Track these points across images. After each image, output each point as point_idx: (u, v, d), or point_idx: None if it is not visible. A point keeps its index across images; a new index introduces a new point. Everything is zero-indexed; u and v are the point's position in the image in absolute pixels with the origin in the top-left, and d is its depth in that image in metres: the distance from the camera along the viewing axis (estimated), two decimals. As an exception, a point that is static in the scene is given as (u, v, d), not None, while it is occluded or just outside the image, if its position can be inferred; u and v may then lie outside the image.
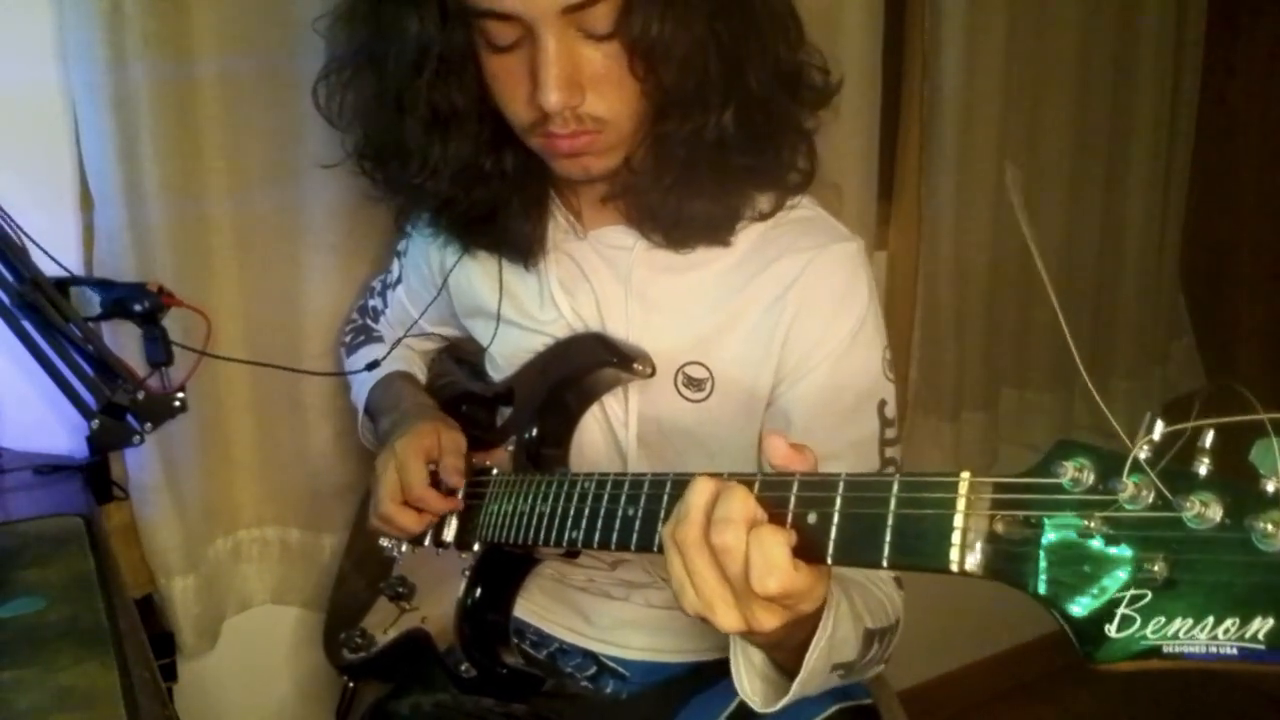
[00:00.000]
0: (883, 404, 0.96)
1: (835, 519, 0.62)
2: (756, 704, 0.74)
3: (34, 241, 0.99)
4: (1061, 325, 0.56)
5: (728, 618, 0.64)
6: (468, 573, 0.99)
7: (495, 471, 1.01)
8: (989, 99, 1.70)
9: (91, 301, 1.07)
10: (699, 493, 0.66)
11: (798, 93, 0.93)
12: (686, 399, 0.98)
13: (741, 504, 0.64)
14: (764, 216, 0.96)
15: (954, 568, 0.55)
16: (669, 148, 0.90)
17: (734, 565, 0.63)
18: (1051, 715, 2.18)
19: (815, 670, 0.71)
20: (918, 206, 1.75)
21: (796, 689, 0.72)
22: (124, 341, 1.13)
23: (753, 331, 0.96)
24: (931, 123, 1.70)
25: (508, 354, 1.08)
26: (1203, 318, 2.23)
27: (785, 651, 0.73)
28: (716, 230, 0.95)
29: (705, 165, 0.91)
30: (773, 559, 0.62)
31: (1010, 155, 1.77)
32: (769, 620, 0.64)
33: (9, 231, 0.96)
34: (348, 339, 1.28)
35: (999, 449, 1.91)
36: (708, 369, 0.97)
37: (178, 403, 1.00)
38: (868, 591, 0.86)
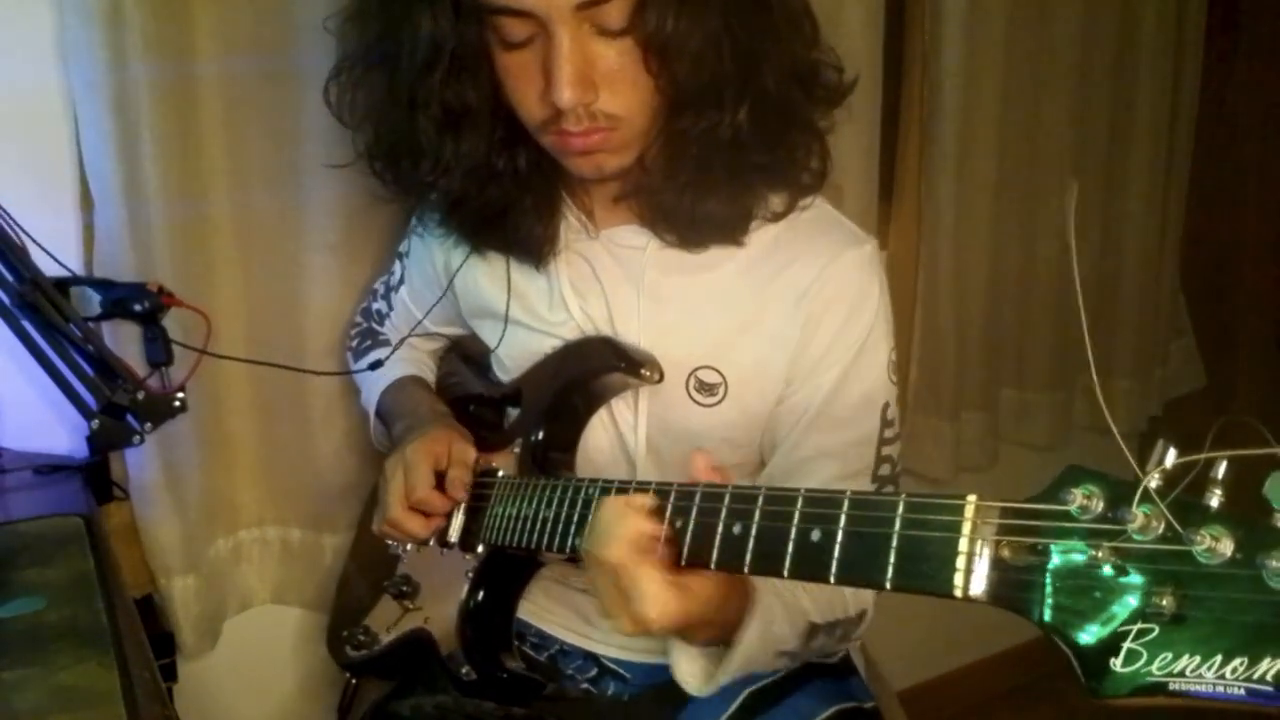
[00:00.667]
0: (885, 406, 0.96)
1: (839, 537, 0.62)
2: (691, 686, 0.79)
3: (34, 241, 0.99)
4: (1085, 338, 0.55)
5: (621, 623, 0.72)
6: (471, 575, 0.99)
7: (501, 473, 1.01)
8: (989, 99, 1.70)
9: (91, 301, 1.07)
10: (605, 508, 0.73)
11: (812, 91, 0.93)
12: (698, 404, 0.97)
13: (626, 524, 0.71)
14: (777, 217, 0.96)
15: (958, 593, 0.54)
16: (683, 145, 0.90)
17: (620, 580, 0.70)
18: (1051, 715, 2.18)
19: (753, 661, 0.78)
20: (918, 206, 1.75)
21: (723, 679, 0.78)
22: (124, 341, 1.13)
23: (769, 338, 0.96)
24: (931, 123, 1.70)
25: (515, 355, 1.07)
26: (1203, 318, 2.22)
27: (723, 634, 0.77)
28: (730, 230, 0.95)
29: (719, 163, 0.90)
30: (645, 591, 0.69)
31: (1010, 155, 1.77)
32: (661, 631, 0.71)
33: (9, 231, 0.96)
34: (353, 344, 1.27)
35: (999, 449, 1.91)
36: (721, 374, 0.97)
37: (178, 403, 1.00)
38: (818, 589, 0.87)
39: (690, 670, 0.79)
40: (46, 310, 0.94)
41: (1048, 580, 0.51)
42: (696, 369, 0.97)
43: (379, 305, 1.26)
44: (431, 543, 1.05)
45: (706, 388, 0.97)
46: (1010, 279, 1.83)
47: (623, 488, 0.80)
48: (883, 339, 0.96)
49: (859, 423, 0.95)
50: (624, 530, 0.71)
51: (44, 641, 0.76)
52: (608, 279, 1.00)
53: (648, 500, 0.74)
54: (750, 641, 0.76)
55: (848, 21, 1.51)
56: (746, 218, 0.95)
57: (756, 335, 0.96)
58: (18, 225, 0.98)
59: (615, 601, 0.72)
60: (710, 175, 0.91)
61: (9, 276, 0.94)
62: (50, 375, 0.95)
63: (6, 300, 0.94)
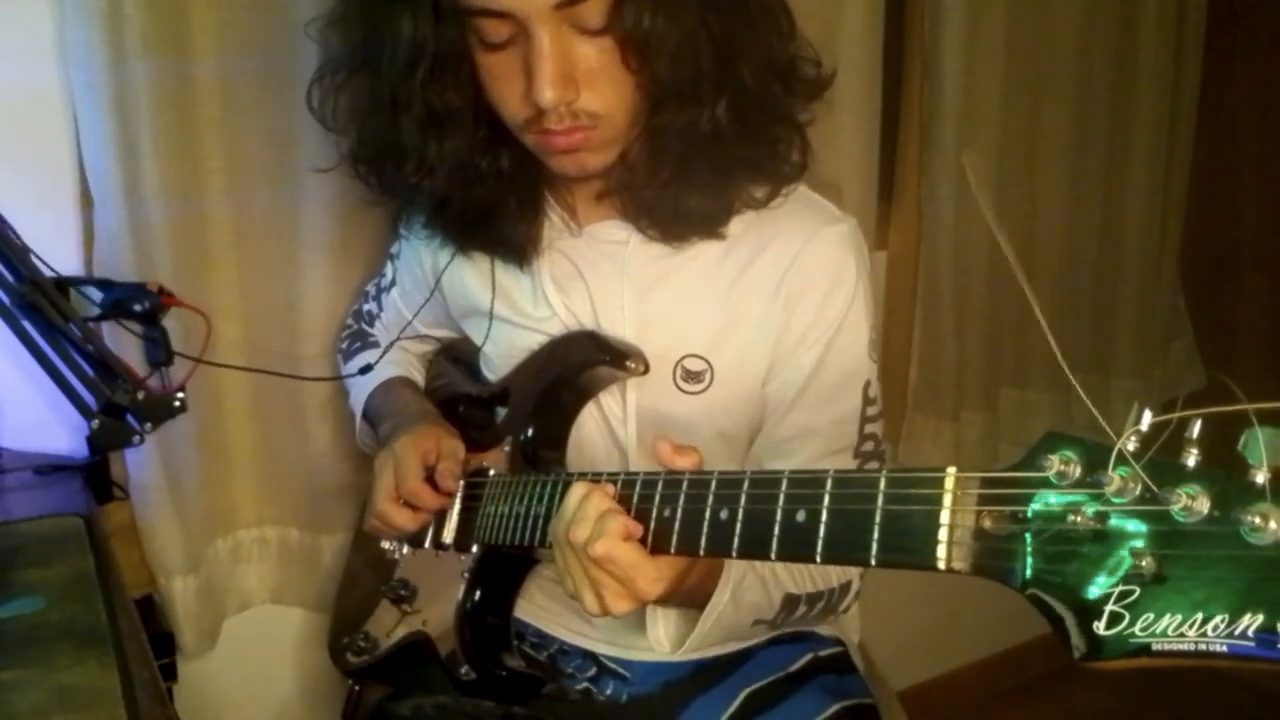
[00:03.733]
0: (867, 384, 0.97)
1: (824, 516, 0.62)
2: (664, 647, 0.83)
3: (34, 242, 0.99)
4: (1036, 313, 0.56)
5: (588, 600, 0.75)
6: (466, 575, 0.99)
7: (492, 472, 1.01)
8: (989, 99, 1.70)
9: (91, 301, 1.07)
10: (572, 494, 0.76)
11: (790, 84, 0.94)
12: (685, 392, 0.98)
13: (596, 504, 0.74)
14: (758, 205, 0.97)
15: (941, 565, 0.54)
16: (664, 141, 0.90)
17: (585, 558, 0.73)
18: (1051, 715, 2.18)
19: (728, 627, 0.82)
20: (918, 206, 1.75)
21: (695, 640, 0.81)
22: (124, 341, 1.13)
23: (751, 321, 0.96)
24: (931, 123, 1.70)
25: (502, 352, 1.07)
26: (1203, 318, 2.23)
27: (688, 603, 0.82)
28: (713, 224, 0.95)
29: (701, 159, 0.91)
30: (606, 527, 0.72)
31: (1010, 155, 1.77)
32: (620, 604, 0.74)
33: (9, 232, 0.96)
34: (344, 345, 1.27)
35: (999, 449, 1.91)
36: (706, 361, 0.97)
37: (177, 403, 1.00)
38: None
39: (666, 631, 0.83)
40: (46, 310, 0.94)
41: (1028, 548, 0.51)
42: (682, 358, 0.98)
43: (370, 306, 1.26)
44: (427, 545, 1.05)
45: (693, 376, 0.98)
46: (1010, 279, 1.83)
47: (611, 478, 0.80)
48: (863, 316, 0.97)
49: (841, 401, 0.96)
50: (590, 510, 0.73)
51: (44, 641, 0.76)
52: (591, 274, 1.00)
53: (612, 487, 0.76)
54: (722, 605, 0.79)
55: (847, 21, 1.51)
56: (728, 211, 0.95)
57: (739, 320, 0.97)
58: (16, 226, 0.98)
59: (582, 581, 0.74)
60: (692, 170, 0.92)
61: (9, 276, 0.94)
62: (50, 375, 0.95)
63: (6, 300, 0.94)
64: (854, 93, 1.52)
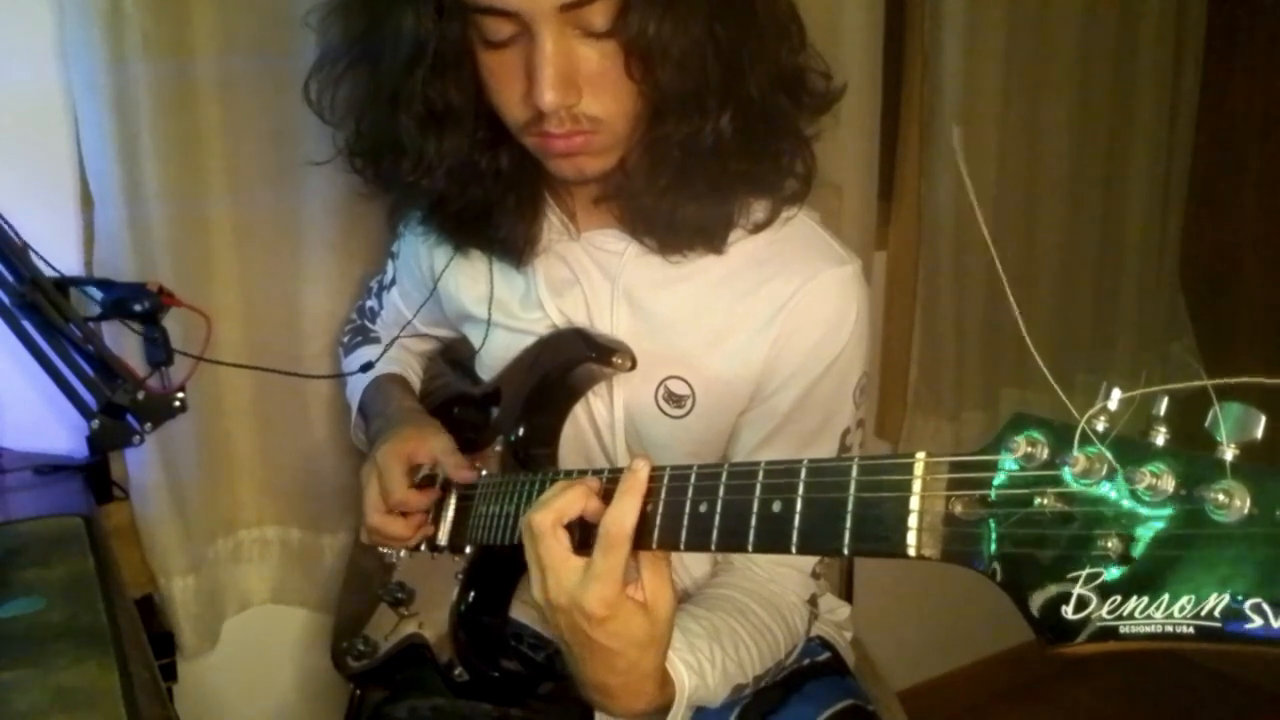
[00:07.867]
0: (845, 432, 0.96)
1: (798, 506, 0.61)
2: None
3: (34, 242, 0.99)
4: (1009, 298, 0.55)
5: (534, 591, 0.73)
6: (460, 576, 0.99)
7: (485, 473, 1.01)
8: (989, 99, 1.70)
9: (91, 301, 1.07)
10: (555, 485, 0.74)
11: (798, 98, 0.92)
12: (666, 414, 0.96)
13: (566, 496, 0.71)
14: (758, 227, 0.94)
15: (911, 552, 0.53)
16: (665, 150, 0.89)
17: (538, 546, 0.72)
18: (1051, 715, 2.18)
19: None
20: (918, 206, 1.75)
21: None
22: (124, 341, 1.13)
23: (740, 352, 0.95)
24: (931, 123, 1.70)
25: (494, 353, 1.07)
26: (1203, 318, 2.23)
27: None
28: (710, 236, 0.93)
29: (700, 169, 0.89)
30: (548, 558, 0.70)
31: (1010, 155, 1.77)
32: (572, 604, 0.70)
33: (9, 232, 0.96)
34: (345, 339, 1.27)
35: (999, 449, 1.91)
36: (690, 385, 0.96)
37: (177, 403, 1.00)
38: (755, 646, 0.89)
39: None
40: (46, 310, 0.94)
41: (994, 532, 0.50)
42: (666, 379, 0.96)
43: (371, 302, 1.26)
44: (422, 547, 1.05)
45: (675, 399, 0.96)
46: (1010, 278, 1.83)
47: (596, 474, 0.79)
48: (853, 365, 0.95)
49: (815, 447, 0.95)
50: (562, 502, 0.71)
51: (44, 641, 0.76)
52: (586, 281, 0.99)
53: (595, 483, 0.73)
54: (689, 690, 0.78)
55: (847, 23, 1.51)
56: (727, 224, 0.93)
57: (728, 349, 0.95)
58: (17, 226, 0.98)
59: (534, 568, 0.72)
60: (691, 181, 0.90)
61: (9, 276, 0.94)
62: (50, 375, 0.95)
63: (6, 300, 0.94)
64: (854, 93, 1.52)
